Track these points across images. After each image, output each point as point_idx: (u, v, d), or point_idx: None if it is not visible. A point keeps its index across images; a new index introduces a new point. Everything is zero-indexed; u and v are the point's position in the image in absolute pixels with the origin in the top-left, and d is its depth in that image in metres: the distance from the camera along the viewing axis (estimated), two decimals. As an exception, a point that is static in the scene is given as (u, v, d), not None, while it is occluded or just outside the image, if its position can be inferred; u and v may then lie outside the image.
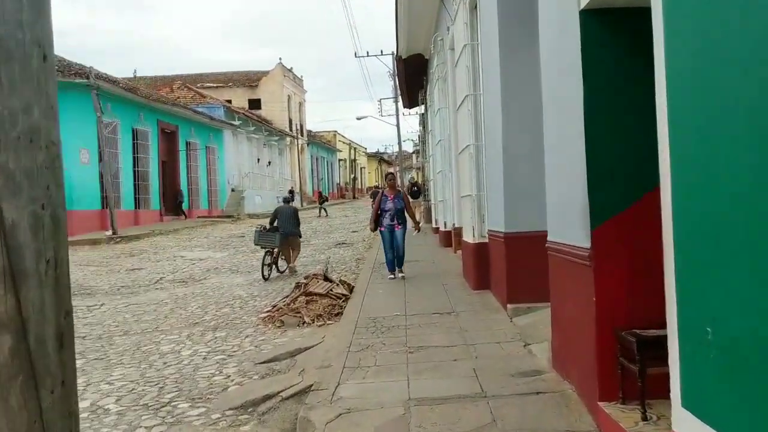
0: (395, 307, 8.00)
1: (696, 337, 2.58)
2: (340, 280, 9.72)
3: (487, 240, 8.75)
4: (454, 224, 13.28)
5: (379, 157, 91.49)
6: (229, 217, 33.07)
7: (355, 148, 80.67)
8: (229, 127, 38.32)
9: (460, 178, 11.09)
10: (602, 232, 4.01)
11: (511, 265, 7.23)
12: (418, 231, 12.20)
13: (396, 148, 53.11)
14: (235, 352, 7.00)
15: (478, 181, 9.14)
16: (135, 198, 27.30)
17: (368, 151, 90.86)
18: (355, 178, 79.65)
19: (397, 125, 41.55)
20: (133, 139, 27.43)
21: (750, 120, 2.11)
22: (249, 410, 5.05)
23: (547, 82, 5.05)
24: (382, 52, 38.90)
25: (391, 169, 60.26)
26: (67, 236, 1.39)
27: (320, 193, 44.94)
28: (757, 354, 2.13)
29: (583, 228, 4.13)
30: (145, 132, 28.42)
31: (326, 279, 9.39)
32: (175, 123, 31.66)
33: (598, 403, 4.00)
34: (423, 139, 29.74)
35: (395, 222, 10.80)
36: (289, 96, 54.43)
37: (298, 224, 13.16)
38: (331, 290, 8.85)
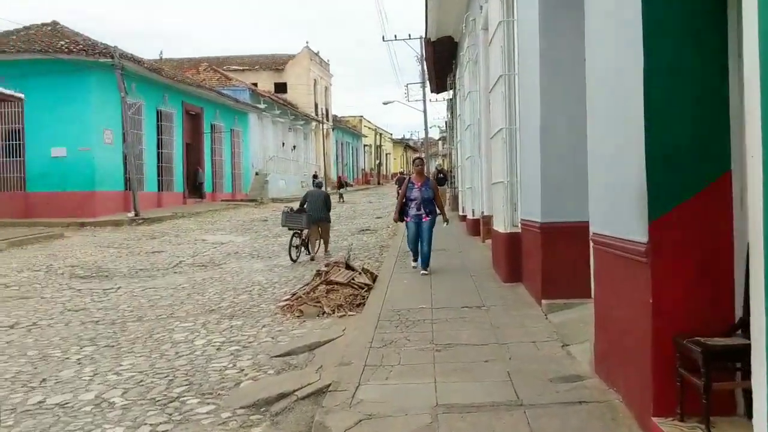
0: (421, 300, 7.55)
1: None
2: (363, 269, 9.27)
3: (519, 230, 8.28)
4: (482, 212, 12.81)
5: (404, 144, 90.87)
6: (252, 200, 32.85)
7: (380, 134, 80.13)
8: (254, 110, 38.04)
9: (491, 164, 10.57)
10: (662, 224, 3.51)
11: (547, 258, 6.75)
12: (447, 223, 10.97)
13: (422, 135, 52.55)
14: (250, 343, 6.61)
15: (510, 167, 8.66)
16: (158, 180, 27.12)
17: (394, 136, 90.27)
18: (380, 164, 79.19)
19: (424, 110, 40.85)
20: (158, 121, 27.22)
21: None
22: (261, 410, 4.66)
23: (595, 56, 4.53)
24: (410, 36, 38.25)
25: (420, 154, 59.69)
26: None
27: (339, 179, 44.60)
28: None
29: (639, 219, 3.63)
30: (170, 113, 28.20)
31: (348, 267, 8.96)
32: (200, 105, 31.42)
33: (652, 418, 3.53)
34: (450, 125, 29.13)
35: (422, 212, 9.76)
36: (315, 80, 54.01)
37: (329, 209, 13.03)
38: (353, 279, 8.42)
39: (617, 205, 4.05)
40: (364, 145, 73.65)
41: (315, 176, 36.63)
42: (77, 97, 22.34)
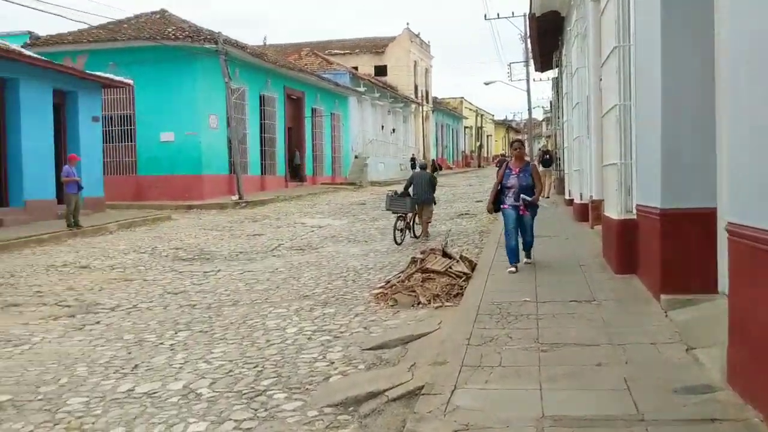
0: (524, 291, 7.00)
1: None
2: (461, 256, 8.75)
3: (634, 216, 7.56)
4: (591, 196, 12.01)
5: (506, 125, 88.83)
6: (351, 184, 32.93)
7: (481, 115, 78.66)
8: (353, 93, 38.08)
9: (602, 144, 9.78)
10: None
11: (668, 248, 6.04)
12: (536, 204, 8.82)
13: (525, 116, 51.03)
14: (342, 333, 6.34)
15: (624, 147, 7.90)
16: (261, 164, 27.61)
17: (495, 118, 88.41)
18: (481, 146, 77.84)
19: (528, 90, 39.57)
20: (260, 105, 27.67)
21: None
22: (350, 409, 4.34)
23: (741, 22, 3.84)
24: (513, 13, 37.21)
25: (520, 136, 57.98)
26: None
27: (434, 162, 43.93)
28: None
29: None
30: (272, 98, 28.61)
31: (445, 254, 8.50)
32: (301, 89, 31.73)
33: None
34: (555, 105, 27.94)
35: (520, 203, 8.50)
36: (415, 62, 53.49)
37: (433, 190, 13.28)
38: (450, 267, 7.97)
39: None
40: (465, 127, 72.51)
41: (413, 159, 36.32)
42: (184, 82, 22.99)
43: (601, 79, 9.96)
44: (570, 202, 16.93)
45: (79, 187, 15.30)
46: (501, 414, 3.68)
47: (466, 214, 18.26)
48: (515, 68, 45.11)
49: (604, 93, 9.39)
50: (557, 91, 24.98)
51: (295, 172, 31.17)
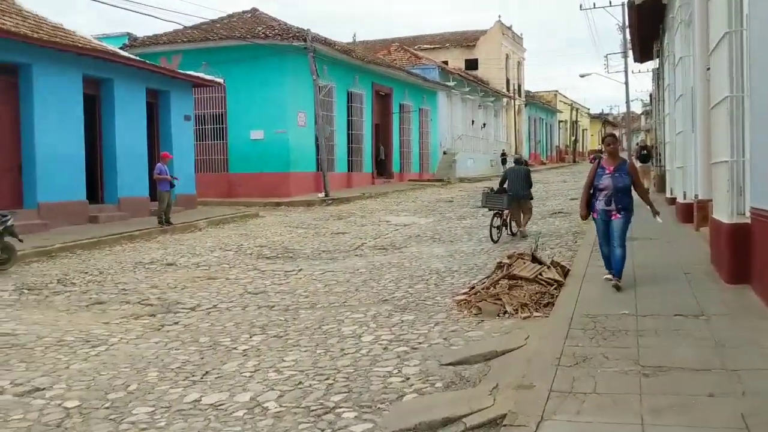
0: (622, 303, 6.36)
1: None
2: (552, 261, 8.13)
3: (748, 220, 6.79)
4: (696, 196, 11.07)
5: (602, 119, 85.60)
6: (439, 180, 32.43)
7: (576, 109, 76.10)
8: (443, 88, 37.51)
9: (711, 140, 8.92)
10: None
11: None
12: (658, 216, 7.79)
13: (622, 109, 48.85)
14: (420, 344, 5.94)
15: (737, 144, 7.12)
16: (348, 161, 27.59)
17: (591, 112, 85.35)
18: (576, 141, 75.37)
19: (626, 82, 37.66)
20: (348, 102, 27.63)
21: None
22: (423, 436, 3.95)
23: None
24: (610, 2, 35.41)
25: (613, 131, 55.63)
26: None
27: (519, 157, 42.60)
28: None
29: None
30: (360, 95, 28.52)
31: (534, 259, 7.92)
32: (389, 85, 31.50)
33: None
34: (656, 97, 26.44)
35: (612, 207, 7.33)
36: (507, 55, 52.24)
37: (530, 186, 12.99)
38: (540, 274, 7.39)
39: None
40: (559, 121, 70.32)
41: (503, 154, 35.36)
42: (273, 80, 23.21)
43: (708, 69, 9.12)
44: (672, 201, 15.85)
45: (171, 185, 15.63)
46: (595, 455, 3.19)
47: (559, 212, 17.44)
48: (612, 59, 43.37)
49: (713, 84, 8.55)
50: (657, 83, 23.66)
51: (381, 168, 30.98)
